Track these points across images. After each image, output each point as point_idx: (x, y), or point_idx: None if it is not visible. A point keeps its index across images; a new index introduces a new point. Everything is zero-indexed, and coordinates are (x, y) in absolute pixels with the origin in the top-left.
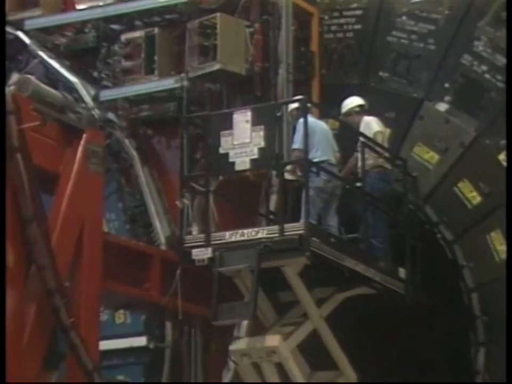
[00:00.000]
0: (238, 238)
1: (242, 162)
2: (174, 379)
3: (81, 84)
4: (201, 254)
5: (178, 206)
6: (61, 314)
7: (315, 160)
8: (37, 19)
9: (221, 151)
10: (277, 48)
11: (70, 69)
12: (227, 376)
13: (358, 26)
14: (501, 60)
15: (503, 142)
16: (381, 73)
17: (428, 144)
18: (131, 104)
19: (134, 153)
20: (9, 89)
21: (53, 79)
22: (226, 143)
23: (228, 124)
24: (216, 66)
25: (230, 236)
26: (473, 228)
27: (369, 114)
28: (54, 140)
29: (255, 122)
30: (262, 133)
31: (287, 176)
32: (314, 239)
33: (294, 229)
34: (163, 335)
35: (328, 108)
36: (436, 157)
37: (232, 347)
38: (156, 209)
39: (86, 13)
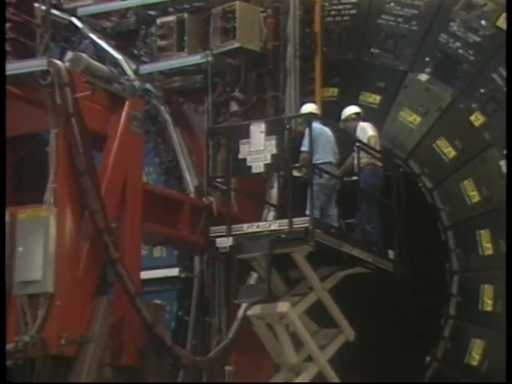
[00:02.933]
0: (254, 229)
1: (257, 166)
2: (201, 303)
3: (124, 60)
4: (224, 243)
5: (204, 202)
6: (109, 250)
7: (319, 161)
8: (88, 7)
9: (240, 156)
10: (285, 29)
11: (115, 48)
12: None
13: (353, 11)
14: (472, 38)
15: (474, 105)
16: (372, 50)
17: (411, 108)
18: (165, 76)
19: (168, 117)
20: (65, 65)
21: (101, 56)
22: (244, 150)
23: (245, 134)
24: (236, 45)
25: (248, 228)
26: (449, 177)
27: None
28: (102, 107)
29: (268, 132)
30: (274, 142)
31: (295, 173)
32: (317, 230)
33: (301, 222)
34: (192, 267)
35: (328, 79)
36: (418, 119)
37: (249, 312)
38: (186, 164)
39: (128, 2)
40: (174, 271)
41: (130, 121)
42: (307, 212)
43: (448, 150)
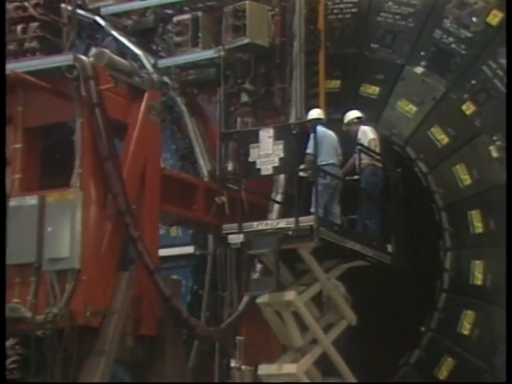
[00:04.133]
0: (263, 227)
1: (266, 168)
2: (214, 278)
3: (144, 55)
4: (235, 239)
5: (217, 202)
6: (130, 229)
7: (323, 162)
8: (110, 7)
9: (250, 159)
10: (292, 26)
11: (135, 44)
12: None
13: (354, 10)
14: (464, 33)
15: (466, 95)
16: (372, 45)
17: (408, 98)
18: (181, 70)
19: (184, 108)
20: (89, 59)
21: (122, 51)
22: (254, 153)
23: (255, 139)
24: (246, 41)
25: (257, 225)
26: (443, 162)
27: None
28: (124, 98)
29: (276, 137)
30: (281, 146)
31: (301, 173)
32: (322, 228)
33: (306, 221)
34: (206, 245)
35: (331, 72)
36: (414, 108)
37: (259, 300)
38: (200, 150)
39: (147, 2)
40: (189, 249)
41: (149, 111)
42: (312, 210)
43: (441, 137)
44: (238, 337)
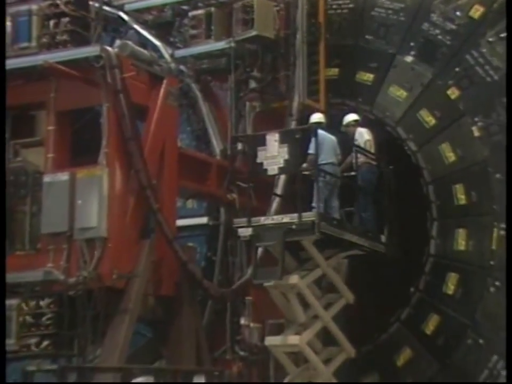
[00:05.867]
0: (270, 221)
1: (272, 169)
2: (226, 245)
3: (162, 46)
4: (245, 232)
5: (229, 198)
6: (151, 202)
7: (323, 162)
8: (133, 3)
9: (258, 160)
10: (295, 20)
11: (155, 36)
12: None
13: (351, 5)
14: (449, 26)
15: (451, 81)
16: (367, 37)
17: (399, 84)
18: (196, 59)
19: (198, 93)
20: (114, 50)
21: (144, 43)
22: (261, 155)
23: (262, 142)
24: (254, 33)
25: (264, 220)
26: (430, 141)
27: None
28: (145, 84)
29: (281, 141)
30: (286, 149)
31: (303, 171)
32: (322, 223)
33: (309, 216)
34: (218, 216)
35: (330, 61)
36: (404, 93)
37: (267, 284)
38: (213, 131)
39: None
40: (203, 220)
41: (167, 96)
42: (313, 204)
43: (429, 119)
44: (247, 298)
